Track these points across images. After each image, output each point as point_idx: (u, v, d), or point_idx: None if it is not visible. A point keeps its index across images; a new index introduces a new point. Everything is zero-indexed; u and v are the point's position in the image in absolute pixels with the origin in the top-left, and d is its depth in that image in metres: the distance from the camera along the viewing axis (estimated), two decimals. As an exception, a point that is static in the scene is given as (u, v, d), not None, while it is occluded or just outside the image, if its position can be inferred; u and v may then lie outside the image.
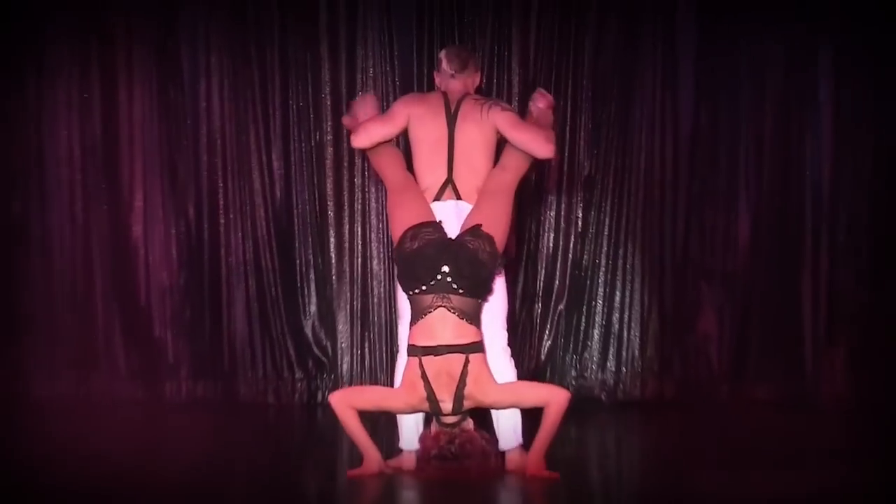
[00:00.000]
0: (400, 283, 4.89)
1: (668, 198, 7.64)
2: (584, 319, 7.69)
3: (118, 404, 7.47)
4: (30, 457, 5.51)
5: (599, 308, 7.68)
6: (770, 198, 7.60)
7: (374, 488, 4.66)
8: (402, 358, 4.89)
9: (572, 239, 7.69)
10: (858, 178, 7.57)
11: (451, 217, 4.99)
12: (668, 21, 7.62)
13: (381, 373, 7.54)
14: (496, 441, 4.92)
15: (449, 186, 5.07)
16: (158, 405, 7.50)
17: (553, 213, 7.69)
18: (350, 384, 7.56)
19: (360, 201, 7.69)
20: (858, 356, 7.50)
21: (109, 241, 7.70)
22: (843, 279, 7.55)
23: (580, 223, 7.70)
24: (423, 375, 4.67)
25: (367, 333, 7.69)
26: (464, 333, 4.69)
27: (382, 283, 7.65)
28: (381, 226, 7.60)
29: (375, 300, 7.68)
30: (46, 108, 7.71)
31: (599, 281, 7.69)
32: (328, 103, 7.62)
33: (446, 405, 4.68)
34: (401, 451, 5.04)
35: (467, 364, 4.67)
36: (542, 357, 7.66)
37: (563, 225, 7.69)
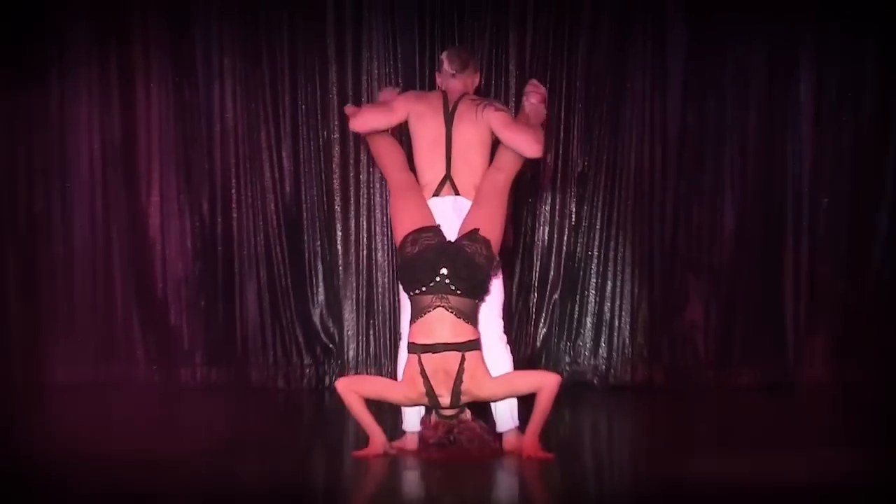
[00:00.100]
0: (401, 284, 4.90)
1: (657, 194, 7.65)
2: (577, 308, 7.70)
3: (136, 389, 7.50)
4: (54, 437, 5.54)
5: (592, 298, 7.69)
6: (753, 194, 7.61)
7: (379, 468, 4.67)
8: (404, 347, 4.90)
9: (566, 232, 7.70)
10: (837, 176, 7.58)
11: (450, 212, 5.00)
12: (659, 22, 7.61)
13: (385, 358, 7.56)
14: (493, 428, 4.93)
15: (447, 182, 5.07)
16: (174, 389, 7.52)
17: (548, 208, 7.70)
18: (356, 369, 7.59)
19: (365, 196, 7.71)
20: (837, 343, 7.53)
21: (128, 235, 7.72)
22: (822, 271, 7.57)
23: (574, 217, 7.70)
24: (422, 372, 4.68)
25: (371, 321, 7.70)
26: (461, 332, 4.70)
27: (386, 274, 7.67)
28: (384, 219, 7.60)
29: (380, 290, 7.69)
30: (68, 107, 7.72)
31: (592, 272, 7.69)
32: (335, 103, 7.63)
33: (444, 400, 4.70)
34: (404, 432, 5.06)
35: (463, 361, 4.67)
36: (538, 344, 7.67)
37: (557, 219, 7.70)
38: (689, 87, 7.62)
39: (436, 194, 5.06)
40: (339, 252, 7.71)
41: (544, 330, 7.69)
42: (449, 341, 4.68)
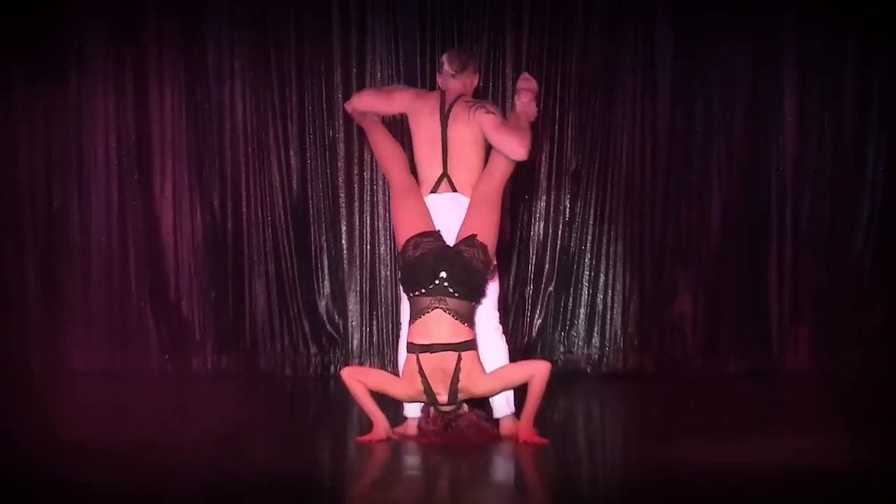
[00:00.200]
0: (402, 286, 4.89)
1: (648, 191, 7.66)
2: (571, 300, 7.70)
3: (150, 377, 7.51)
4: (72, 422, 5.55)
5: (585, 290, 7.70)
6: (739, 191, 7.61)
7: (381, 453, 4.68)
8: (405, 340, 4.89)
9: (560, 227, 7.70)
10: (819, 173, 7.58)
11: (448, 208, 5.00)
12: (648, 24, 7.60)
13: (388, 348, 7.56)
14: (490, 417, 4.94)
15: (445, 180, 5.07)
16: (186, 377, 7.53)
17: (543, 204, 7.70)
18: (360, 358, 7.60)
19: (368, 193, 7.71)
20: (819, 332, 7.54)
21: (142, 229, 7.73)
22: (805, 264, 7.58)
23: (568, 213, 7.71)
24: (421, 371, 4.68)
25: (374, 312, 7.70)
26: (458, 333, 4.69)
27: (389, 267, 7.67)
28: (387, 215, 7.60)
29: (382, 282, 7.70)
30: (85, 106, 7.73)
31: (585, 265, 7.70)
32: (340, 104, 7.63)
33: (442, 398, 4.70)
34: (405, 418, 5.06)
35: (460, 361, 4.66)
36: (534, 334, 7.68)
37: (552, 214, 7.70)
38: (677, 87, 7.62)
39: (434, 191, 5.07)
40: (344, 246, 7.71)
41: (539, 321, 7.69)
42: (446, 342, 4.68)
